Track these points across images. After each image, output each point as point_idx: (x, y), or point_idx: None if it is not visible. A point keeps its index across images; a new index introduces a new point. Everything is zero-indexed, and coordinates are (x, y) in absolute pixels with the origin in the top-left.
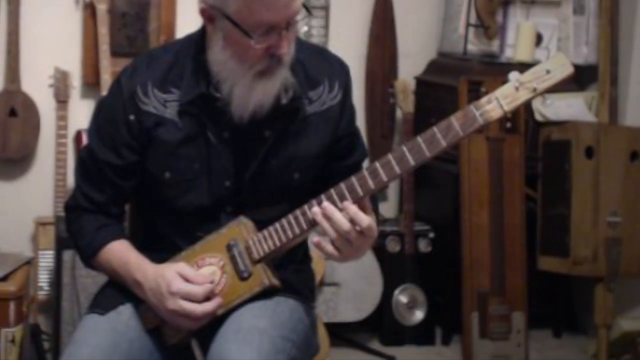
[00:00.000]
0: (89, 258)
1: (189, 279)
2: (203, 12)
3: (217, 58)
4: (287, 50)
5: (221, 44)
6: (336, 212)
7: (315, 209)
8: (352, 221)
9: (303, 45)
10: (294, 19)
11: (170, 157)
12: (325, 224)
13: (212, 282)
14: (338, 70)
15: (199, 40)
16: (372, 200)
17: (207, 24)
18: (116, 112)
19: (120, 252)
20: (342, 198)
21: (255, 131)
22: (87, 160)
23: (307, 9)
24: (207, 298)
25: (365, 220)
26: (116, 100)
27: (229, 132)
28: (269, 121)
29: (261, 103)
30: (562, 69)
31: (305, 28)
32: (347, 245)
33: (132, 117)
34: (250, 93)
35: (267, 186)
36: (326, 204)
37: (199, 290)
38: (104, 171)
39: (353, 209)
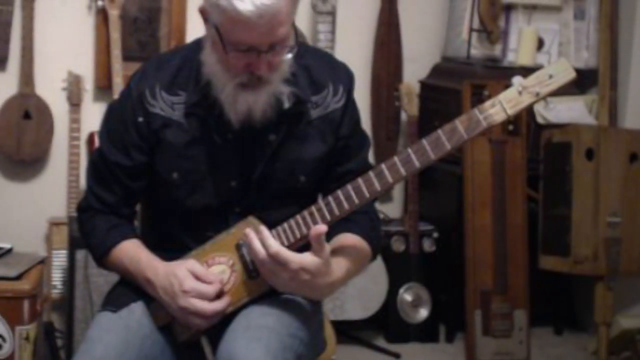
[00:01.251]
0: (101, 257)
1: (200, 277)
2: (201, 12)
3: (206, 60)
4: (266, 73)
5: (209, 48)
6: (254, 240)
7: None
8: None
9: (309, 51)
10: (280, 45)
11: (178, 158)
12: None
13: (221, 281)
14: (343, 75)
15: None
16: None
17: (204, 23)
18: (126, 114)
19: (132, 250)
20: (349, 199)
21: (260, 134)
22: (98, 163)
23: (297, 38)
24: (218, 296)
25: (273, 246)
26: (125, 103)
27: (233, 134)
28: (274, 125)
29: (248, 112)
30: (565, 74)
31: (289, 55)
32: (270, 274)
33: (140, 119)
34: (235, 101)
35: (273, 188)
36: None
37: (210, 289)
38: (114, 173)
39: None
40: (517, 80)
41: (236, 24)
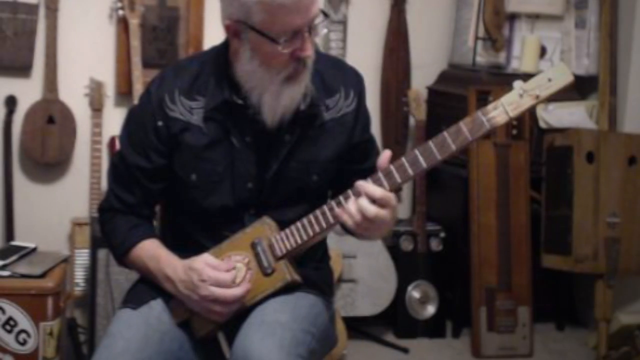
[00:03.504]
0: (122, 256)
1: (215, 267)
2: (228, 28)
3: (245, 69)
4: (311, 53)
5: (248, 54)
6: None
7: (337, 211)
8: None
9: (321, 57)
10: (314, 22)
11: (196, 161)
12: (346, 218)
13: (234, 269)
14: (353, 79)
15: (222, 52)
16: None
17: (233, 38)
18: (146, 119)
19: (151, 249)
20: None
21: (276, 136)
22: (119, 165)
23: (325, 13)
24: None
25: (377, 191)
26: (145, 107)
27: (251, 137)
28: (289, 126)
29: (289, 107)
30: (563, 78)
31: (325, 30)
32: (369, 223)
33: (160, 123)
34: (278, 99)
35: (287, 187)
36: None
37: (226, 276)
38: (134, 175)
39: (364, 187)
40: (518, 84)
41: (280, 12)
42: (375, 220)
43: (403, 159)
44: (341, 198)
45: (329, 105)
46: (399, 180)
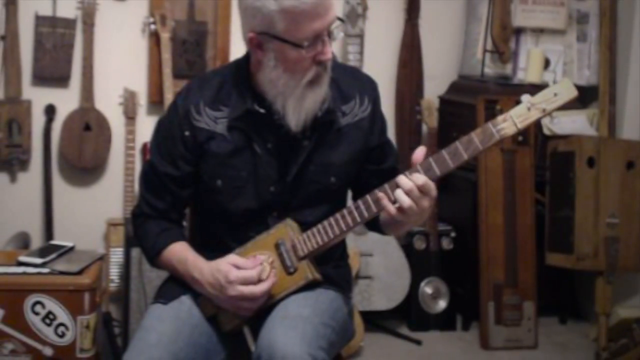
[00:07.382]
0: (153, 258)
1: (241, 267)
2: (251, 40)
3: (269, 77)
4: (331, 56)
5: (272, 64)
6: (403, 178)
7: (380, 194)
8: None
9: (338, 66)
10: (332, 27)
11: (221, 167)
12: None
13: (261, 264)
14: (368, 86)
15: (243, 64)
16: None
17: (255, 50)
18: (173, 130)
19: (180, 252)
20: (377, 202)
21: (295, 142)
22: (149, 173)
23: (340, 18)
24: (260, 280)
25: (420, 178)
26: (173, 119)
27: (272, 144)
28: (307, 132)
29: (312, 110)
30: (568, 92)
31: (341, 34)
32: (413, 207)
33: (187, 133)
34: (302, 103)
35: (307, 190)
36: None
37: (253, 273)
38: (164, 182)
39: (414, 176)
40: (526, 97)
41: (302, 18)
42: (418, 204)
43: (418, 167)
44: (359, 202)
45: (345, 111)
46: None
